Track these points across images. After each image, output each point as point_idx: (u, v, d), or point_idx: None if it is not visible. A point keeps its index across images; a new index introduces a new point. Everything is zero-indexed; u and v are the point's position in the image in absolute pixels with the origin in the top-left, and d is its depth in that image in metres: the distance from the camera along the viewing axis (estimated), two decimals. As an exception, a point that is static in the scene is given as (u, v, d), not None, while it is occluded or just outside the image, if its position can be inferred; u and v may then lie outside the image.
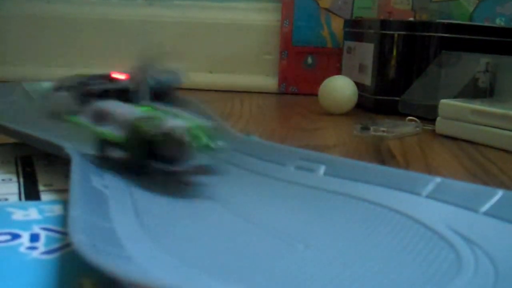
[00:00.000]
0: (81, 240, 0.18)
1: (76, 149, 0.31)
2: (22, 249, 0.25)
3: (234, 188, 0.32)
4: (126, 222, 0.24)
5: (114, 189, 0.28)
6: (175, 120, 0.31)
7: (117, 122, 0.33)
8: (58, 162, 0.40)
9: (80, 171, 0.28)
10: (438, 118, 0.62)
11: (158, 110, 0.35)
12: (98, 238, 0.20)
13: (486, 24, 0.90)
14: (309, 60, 0.95)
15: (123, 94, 0.39)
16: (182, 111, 0.34)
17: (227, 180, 0.33)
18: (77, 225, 0.20)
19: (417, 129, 0.63)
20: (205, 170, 0.32)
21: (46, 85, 0.49)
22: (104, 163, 0.32)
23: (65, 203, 0.32)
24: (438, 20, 0.80)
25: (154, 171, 0.32)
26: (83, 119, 0.34)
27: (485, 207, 0.26)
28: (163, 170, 0.32)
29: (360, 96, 0.74)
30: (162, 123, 0.31)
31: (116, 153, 0.33)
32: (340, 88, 0.72)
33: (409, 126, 0.63)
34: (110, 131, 0.32)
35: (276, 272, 0.21)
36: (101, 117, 0.34)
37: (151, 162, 0.32)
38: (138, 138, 0.31)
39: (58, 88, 0.41)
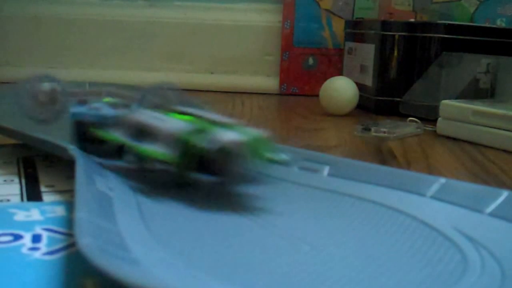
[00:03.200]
0: (87, 244, 0.18)
1: (80, 150, 0.31)
2: (24, 250, 0.25)
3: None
4: (132, 225, 0.24)
5: (119, 191, 0.28)
6: (228, 133, 0.29)
7: (162, 137, 0.29)
8: (60, 163, 0.40)
9: (84, 173, 0.27)
10: (439, 119, 0.62)
11: (202, 120, 0.31)
12: (104, 241, 0.20)
13: (487, 25, 0.90)
14: (310, 61, 0.95)
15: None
16: (225, 118, 0.31)
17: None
18: (83, 228, 0.20)
19: (418, 129, 0.63)
20: (247, 178, 0.30)
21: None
22: (140, 175, 0.31)
23: (67, 204, 0.32)
24: (439, 21, 0.80)
25: (198, 183, 0.31)
26: (119, 135, 0.32)
27: (490, 208, 0.26)
28: (207, 182, 0.30)
29: (361, 96, 0.74)
30: (215, 137, 0.28)
31: (157, 166, 0.31)
32: (341, 89, 0.72)
33: (410, 127, 0.63)
34: (156, 150, 0.29)
35: (281, 272, 0.21)
36: (140, 132, 0.30)
37: (195, 174, 0.30)
38: (189, 154, 0.28)
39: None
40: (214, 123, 0.30)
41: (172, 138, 0.29)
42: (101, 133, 0.33)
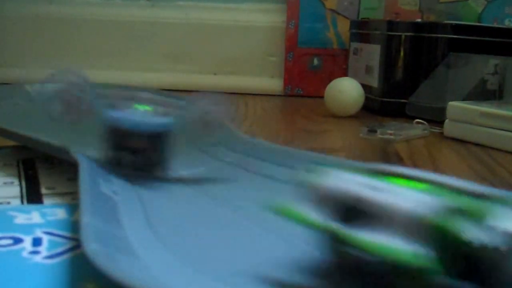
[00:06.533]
0: (95, 250, 0.18)
1: (83, 153, 0.31)
2: (24, 254, 0.24)
3: (245, 192, 0.32)
4: (138, 229, 0.24)
5: (123, 194, 0.28)
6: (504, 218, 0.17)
7: (396, 222, 0.18)
8: (61, 165, 0.40)
9: (88, 177, 0.27)
10: (446, 121, 0.61)
11: (443, 188, 0.19)
12: (112, 246, 0.20)
13: (494, 25, 0.89)
14: (315, 61, 0.94)
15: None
16: (475, 186, 0.19)
17: (237, 184, 0.33)
18: (89, 233, 0.19)
19: (425, 131, 0.63)
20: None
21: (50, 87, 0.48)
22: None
23: (68, 207, 0.31)
24: (446, 21, 0.80)
25: None
26: (316, 215, 0.21)
27: None
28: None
29: (366, 98, 0.74)
30: (494, 226, 0.17)
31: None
32: (346, 90, 0.71)
33: (416, 129, 0.62)
34: (397, 247, 0.18)
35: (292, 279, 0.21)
36: (348, 209, 0.20)
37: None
38: (452, 253, 0.18)
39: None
40: (465, 194, 0.19)
41: (415, 224, 0.18)
42: (288, 211, 0.21)
